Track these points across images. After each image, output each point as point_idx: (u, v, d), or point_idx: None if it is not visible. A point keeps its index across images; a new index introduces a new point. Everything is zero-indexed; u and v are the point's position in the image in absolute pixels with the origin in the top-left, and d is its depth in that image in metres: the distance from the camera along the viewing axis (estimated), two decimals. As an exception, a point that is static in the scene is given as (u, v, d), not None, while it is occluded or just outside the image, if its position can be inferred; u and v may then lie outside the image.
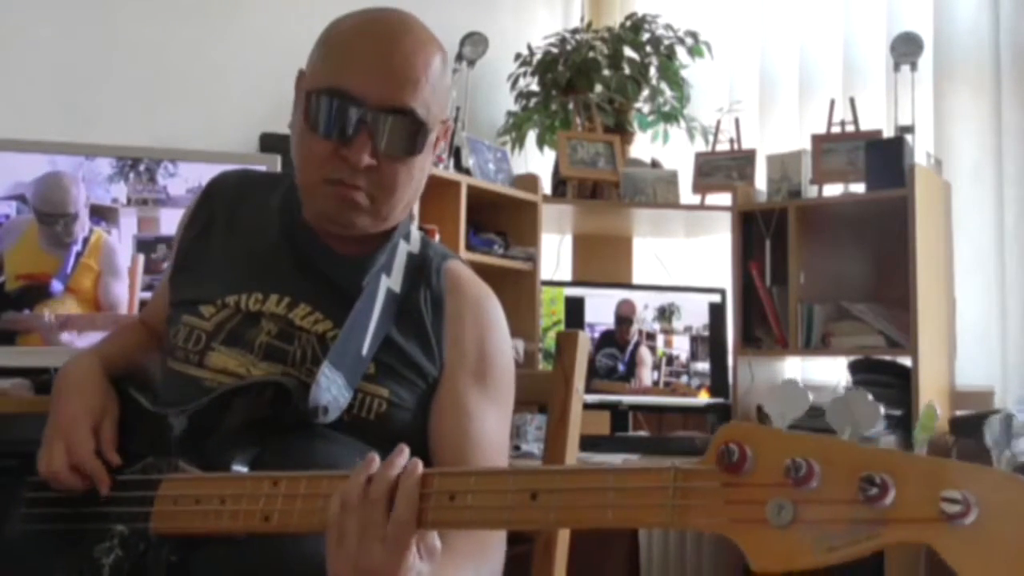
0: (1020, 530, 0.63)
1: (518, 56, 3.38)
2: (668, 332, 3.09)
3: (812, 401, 0.77)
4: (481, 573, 1.09)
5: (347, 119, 1.12)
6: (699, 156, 3.27)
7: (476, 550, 1.08)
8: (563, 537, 1.36)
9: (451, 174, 2.78)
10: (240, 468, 1.07)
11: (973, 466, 0.66)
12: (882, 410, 0.69)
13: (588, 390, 1.55)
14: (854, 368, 2.86)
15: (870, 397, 0.70)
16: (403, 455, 0.92)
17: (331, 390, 1.10)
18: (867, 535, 0.66)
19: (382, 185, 1.16)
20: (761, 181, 3.08)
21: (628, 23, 3.41)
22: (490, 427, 1.20)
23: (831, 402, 0.72)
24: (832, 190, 2.94)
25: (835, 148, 2.91)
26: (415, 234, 1.30)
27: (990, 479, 0.65)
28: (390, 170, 1.15)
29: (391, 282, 1.21)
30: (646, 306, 3.09)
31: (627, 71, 3.33)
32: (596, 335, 3.05)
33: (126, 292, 2.18)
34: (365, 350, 1.15)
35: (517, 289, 2.94)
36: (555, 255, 3.39)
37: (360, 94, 1.12)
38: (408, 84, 1.13)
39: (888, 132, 2.92)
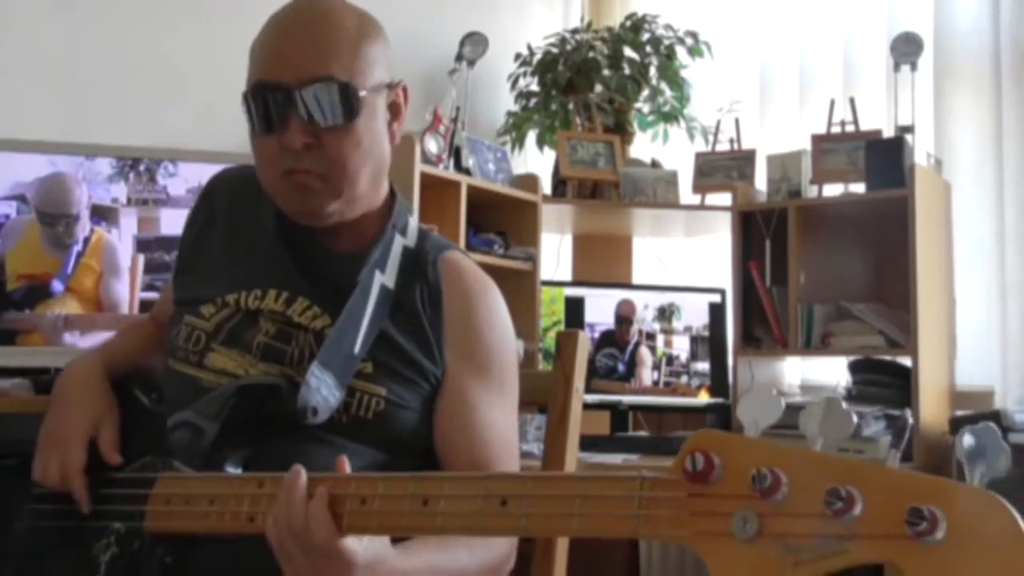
0: (989, 549, 0.61)
1: (518, 56, 3.38)
2: (668, 332, 3.09)
3: (801, 402, 0.76)
4: (475, 553, 1.09)
5: (274, 108, 1.12)
6: (699, 156, 3.27)
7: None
8: (563, 537, 1.36)
9: (451, 174, 2.78)
10: (233, 469, 1.07)
11: (943, 480, 0.64)
12: (855, 419, 0.68)
13: (588, 390, 1.55)
14: (854, 368, 2.86)
15: (844, 405, 0.68)
16: (299, 482, 0.92)
17: (321, 390, 1.10)
18: (834, 551, 0.64)
19: (328, 160, 1.15)
20: (761, 181, 3.08)
21: (628, 23, 3.41)
22: (498, 422, 1.21)
23: (803, 411, 0.71)
24: (832, 190, 2.93)
25: (835, 148, 2.91)
26: (412, 227, 1.29)
27: (960, 494, 0.62)
28: (332, 143, 1.14)
29: (385, 278, 1.21)
30: (646, 306, 3.09)
31: (627, 71, 3.32)
32: (596, 335, 3.05)
33: (127, 292, 2.19)
34: (357, 348, 1.15)
35: (517, 289, 2.93)
36: (555, 255, 3.39)
37: (276, 78, 1.12)
38: (319, 51, 1.13)
39: (888, 132, 2.91)
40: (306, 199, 1.17)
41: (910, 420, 0.72)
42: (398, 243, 1.24)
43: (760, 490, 0.67)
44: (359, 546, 0.91)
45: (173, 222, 2.20)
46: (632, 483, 0.76)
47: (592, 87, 3.30)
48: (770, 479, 0.67)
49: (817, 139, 2.95)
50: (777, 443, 0.70)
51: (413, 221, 1.30)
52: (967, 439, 0.65)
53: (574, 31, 3.48)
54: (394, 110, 1.22)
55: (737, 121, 3.23)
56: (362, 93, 1.15)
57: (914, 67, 2.85)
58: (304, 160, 1.14)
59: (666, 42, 3.34)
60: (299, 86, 1.11)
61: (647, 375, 3.06)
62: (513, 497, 0.82)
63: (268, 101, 1.13)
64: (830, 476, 0.66)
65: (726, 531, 0.68)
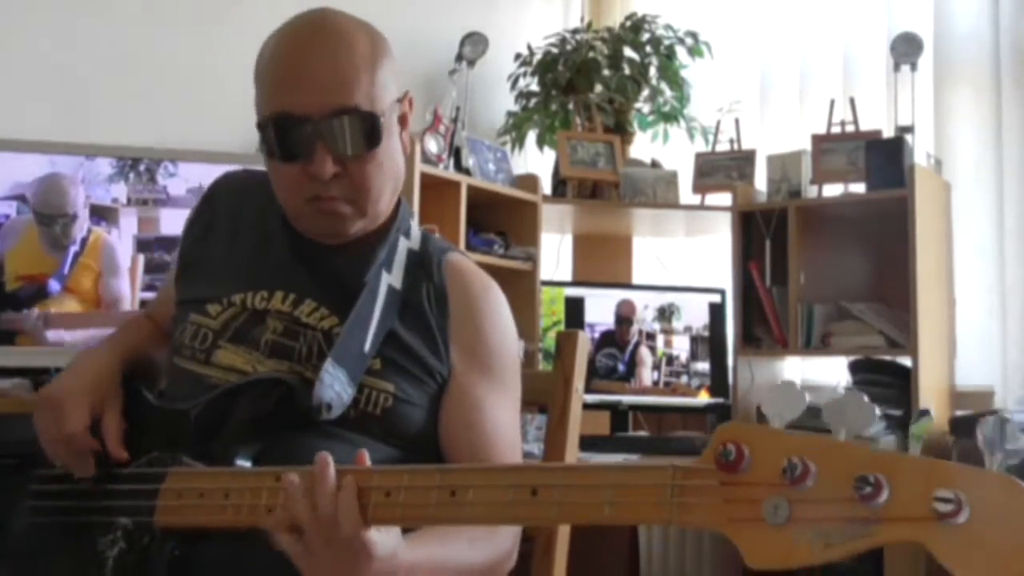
0: (1010, 530, 0.64)
1: (518, 56, 3.38)
2: (668, 332, 3.09)
3: (810, 401, 0.78)
4: (476, 547, 1.10)
5: (299, 139, 1.13)
6: (699, 156, 3.27)
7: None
8: (563, 536, 1.37)
9: (451, 174, 2.78)
10: (244, 463, 1.07)
11: (965, 466, 0.67)
12: (877, 411, 0.70)
13: (588, 390, 1.55)
14: (854, 368, 2.86)
15: (866, 398, 0.70)
16: (328, 472, 0.92)
17: (334, 387, 1.11)
18: (862, 533, 0.67)
19: (356, 187, 1.17)
20: (761, 181, 3.08)
21: (628, 23, 3.41)
22: (502, 421, 1.22)
23: (827, 403, 0.73)
24: (832, 190, 2.94)
25: (835, 148, 2.92)
26: (415, 230, 1.31)
27: (982, 479, 0.66)
28: (358, 170, 1.16)
29: (392, 278, 1.22)
30: (646, 306, 3.09)
31: (627, 71, 3.33)
32: (596, 335, 3.05)
33: (128, 290, 2.18)
34: (367, 347, 1.16)
35: (517, 289, 2.93)
36: (555, 255, 3.39)
37: (301, 111, 1.12)
38: (341, 83, 1.13)
39: (888, 132, 2.92)
40: (333, 223, 1.19)
41: (933, 416, 0.76)
42: (403, 245, 1.26)
43: (790, 478, 0.71)
44: (378, 538, 0.92)
45: (173, 222, 2.20)
46: (664, 472, 0.78)
47: (592, 87, 3.30)
48: (800, 467, 0.70)
49: (817, 139, 2.95)
50: (802, 434, 0.73)
51: (415, 224, 1.32)
52: (985, 428, 0.68)
53: (574, 31, 3.48)
54: (403, 121, 1.24)
55: (737, 121, 3.23)
56: (382, 120, 1.16)
57: (914, 67, 2.85)
58: (331, 188, 1.15)
59: (666, 42, 3.34)
60: (323, 118, 1.12)
61: (647, 375, 3.06)
62: (544, 487, 0.84)
63: (290, 132, 1.13)
64: (857, 464, 0.69)
65: (758, 517, 0.72)
